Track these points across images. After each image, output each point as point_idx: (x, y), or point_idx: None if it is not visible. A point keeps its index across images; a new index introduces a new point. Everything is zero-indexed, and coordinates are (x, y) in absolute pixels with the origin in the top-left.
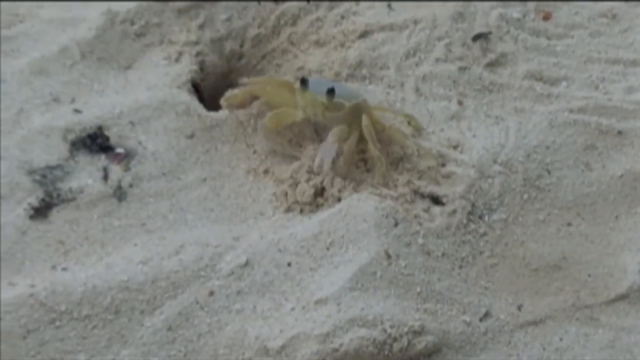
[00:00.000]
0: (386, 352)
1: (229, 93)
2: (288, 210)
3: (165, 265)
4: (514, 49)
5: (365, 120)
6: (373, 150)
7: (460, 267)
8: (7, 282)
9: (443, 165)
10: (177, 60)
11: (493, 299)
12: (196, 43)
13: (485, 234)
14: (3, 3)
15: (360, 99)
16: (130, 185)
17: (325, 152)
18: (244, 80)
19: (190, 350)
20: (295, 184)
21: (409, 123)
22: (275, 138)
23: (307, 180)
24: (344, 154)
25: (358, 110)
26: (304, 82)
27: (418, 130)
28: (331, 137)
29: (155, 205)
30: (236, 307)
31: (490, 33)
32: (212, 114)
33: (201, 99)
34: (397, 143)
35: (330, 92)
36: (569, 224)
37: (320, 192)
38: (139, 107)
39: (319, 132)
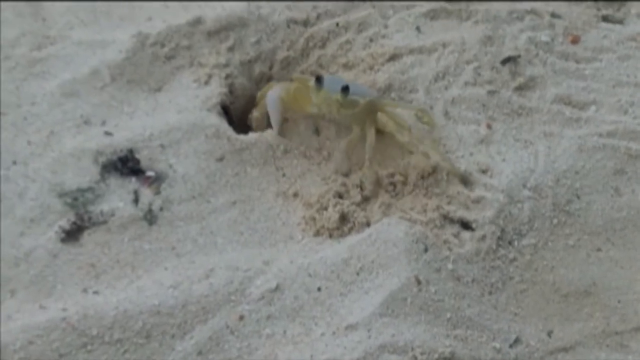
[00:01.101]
0: None
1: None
2: (317, 234)
3: (196, 290)
4: (542, 73)
5: (382, 117)
6: (402, 137)
7: (490, 292)
8: (39, 306)
9: (472, 189)
10: (206, 82)
11: (523, 325)
12: (226, 65)
13: (514, 259)
14: (34, 25)
15: (373, 95)
16: (161, 209)
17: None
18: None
19: None
20: (323, 209)
21: (421, 119)
22: (281, 107)
23: (334, 205)
24: (366, 151)
25: (373, 107)
26: (318, 80)
27: (431, 126)
28: (343, 145)
29: (185, 229)
30: (266, 332)
31: (519, 56)
32: (242, 136)
33: (230, 122)
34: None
35: (345, 89)
36: (599, 250)
37: (346, 217)
38: (169, 130)
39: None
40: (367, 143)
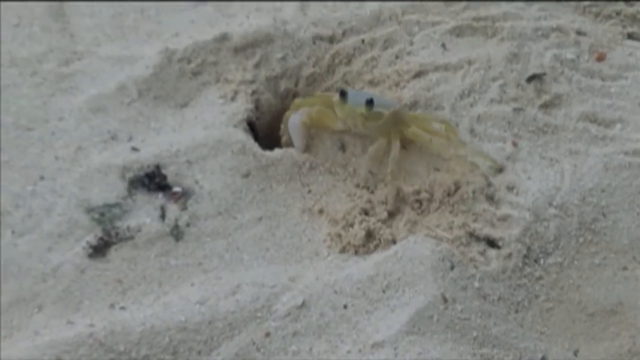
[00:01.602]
0: None
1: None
2: (343, 250)
3: (222, 306)
4: (568, 90)
5: (412, 129)
6: (428, 139)
7: (516, 311)
8: (66, 321)
9: (498, 207)
10: (232, 98)
11: (549, 344)
12: (252, 82)
13: (540, 277)
14: (61, 40)
15: (397, 107)
16: (187, 224)
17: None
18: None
19: None
20: (349, 225)
21: (444, 130)
22: (305, 132)
23: (360, 222)
24: (390, 162)
25: (397, 118)
26: (343, 94)
27: (453, 140)
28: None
29: (211, 245)
30: (292, 349)
31: (544, 74)
32: (268, 152)
33: (256, 138)
34: (442, 154)
35: (370, 102)
36: (625, 268)
37: (372, 234)
38: (196, 146)
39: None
40: (391, 156)
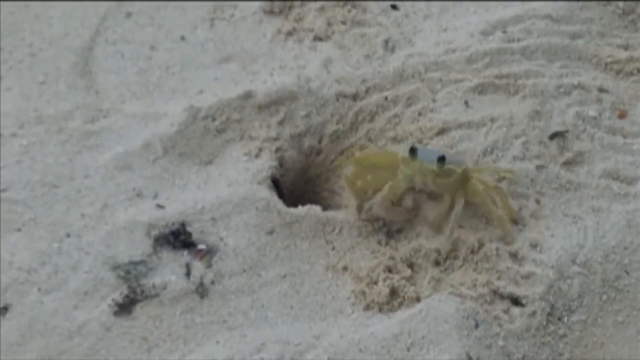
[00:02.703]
0: None
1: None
2: (367, 308)
3: None
4: (591, 148)
5: (479, 187)
6: (495, 211)
7: None
8: None
9: (521, 265)
10: (257, 156)
11: None
12: (276, 139)
13: (565, 335)
14: (87, 98)
15: (466, 164)
16: (212, 282)
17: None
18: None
19: None
20: (373, 283)
21: (503, 177)
22: (394, 209)
23: (384, 280)
24: (451, 220)
25: (467, 175)
26: (413, 151)
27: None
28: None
29: (236, 302)
30: None
31: (567, 132)
32: (292, 210)
33: (281, 195)
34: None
35: (442, 159)
36: None
37: (396, 292)
38: (221, 204)
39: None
40: (455, 212)
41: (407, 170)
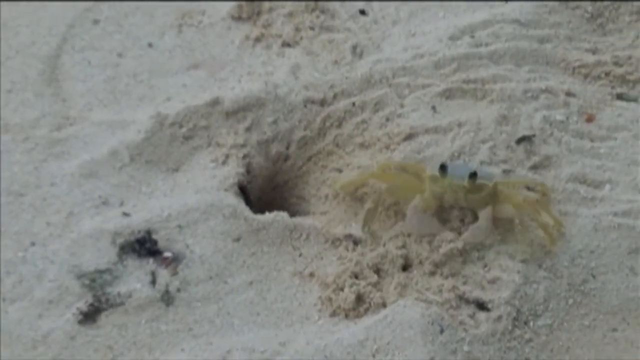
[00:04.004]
0: None
1: (344, 179)
2: (333, 314)
3: None
4: (557, 152)
5: (518, 199)
6: (541, 219)
7: None
8: None
9: (487, 269)
10: (224, 162)
11: None
12: (243, 145)
13: (530, 340)
14: (54, 106)
15: (495, 178)
16: (178, 290)
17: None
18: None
19: None
20: (339, 289)
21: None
22: (429, 220)
23: (350, 286)
24: (481, 230)
25: (495, 190)
26: (443, 168)
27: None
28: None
29: (202, 310)
30: None
31: (534, 136)
32: (259, 216)
33: (248, 202)
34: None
35: (473, 175)
36: (615, 330)
37: (362, 298)
38: (187, 211)
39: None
40: (484, 226)
41: (436, 188)
